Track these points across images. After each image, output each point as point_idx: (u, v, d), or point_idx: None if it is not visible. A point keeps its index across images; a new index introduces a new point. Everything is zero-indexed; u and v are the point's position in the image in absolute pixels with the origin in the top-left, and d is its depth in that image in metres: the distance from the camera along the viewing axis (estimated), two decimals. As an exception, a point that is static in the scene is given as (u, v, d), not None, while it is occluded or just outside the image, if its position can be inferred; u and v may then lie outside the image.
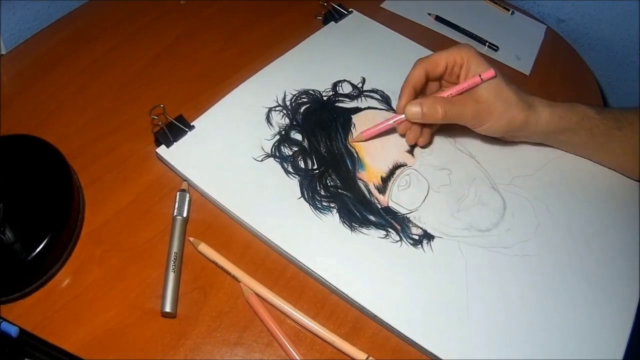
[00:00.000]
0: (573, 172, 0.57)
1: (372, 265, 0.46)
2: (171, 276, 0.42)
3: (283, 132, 0.53)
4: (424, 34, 0.70)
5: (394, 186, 0.51)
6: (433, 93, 0.54)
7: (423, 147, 0.55)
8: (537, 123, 0.51)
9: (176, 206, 0.46)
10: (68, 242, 0.43)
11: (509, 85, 0.50)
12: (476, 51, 0.51)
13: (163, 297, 0.41)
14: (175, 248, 0.44)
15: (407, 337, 0.42)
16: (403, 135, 0.54)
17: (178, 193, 0.47)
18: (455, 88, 0.50)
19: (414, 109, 0.49)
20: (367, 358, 0.41)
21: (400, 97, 0.52)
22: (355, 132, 0.55)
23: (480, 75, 0.49)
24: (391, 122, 0.52)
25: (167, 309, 0.41)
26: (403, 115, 0.51)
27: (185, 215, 0.46)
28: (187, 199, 0.47)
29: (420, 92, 0.53)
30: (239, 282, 0.43)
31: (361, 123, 0.56)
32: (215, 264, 0.44)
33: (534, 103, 0.51)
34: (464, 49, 0.51)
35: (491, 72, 0.49)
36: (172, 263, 0.43)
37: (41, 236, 0.40)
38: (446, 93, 0.51)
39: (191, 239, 0.45)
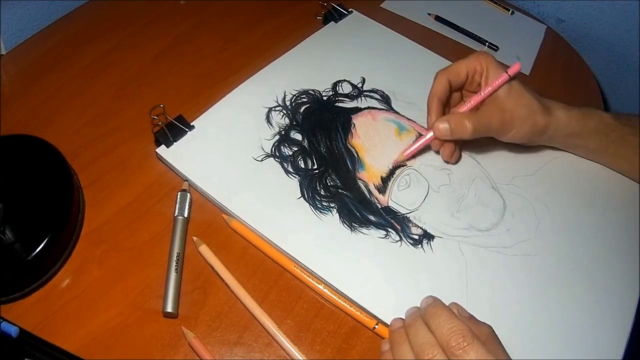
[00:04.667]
0: (573, 172, 0.57)
1: (372, 265, 0.46)
2: (173, 276, 0.42)
3: (283, 132, 0.53)
4: (424, 34, 0.69)
5: (394, 186, 0.51)
6: (456, 105, 0.54)
7: (455, 163, 0.54)
8: (557, 126, 0.52)
9: (177, 206, 0.46)
10: (68, 242, 0.43)
11: (528, 90, 0.51)
12: (493, 57, 0.51)
13: (165, 297, 0.41)
14: (177, 249, 0.44)
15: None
16: (438, 152, 0.54)
17: (179, 193, 0.47)
18: (485, 91, 0.49)
19: (442, 126, 0.49)
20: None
21: (429, 113, 0.52)
22: (355, 132, 0.55)
23: (507, 72, 0.49)
24: (427, 137, 0.51)
25: (169, 309, 0.41)
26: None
27: (186, 215, 0.46)
28: (188, 199, 0.47)
29: (446, 104, 0.53)
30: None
31: (361, 123, 0.56)
32: (212, 268, 0.44)
33: (551, 107, 0.51)
34: (482, 56, 0.51)
35: (517, 66, 0.49)
36: (174, 263, 0.43)
37: (41, 236, 0.40)
38: (477, 97, 0.50)
39: (194, 238, 0.45)
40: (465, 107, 0.51)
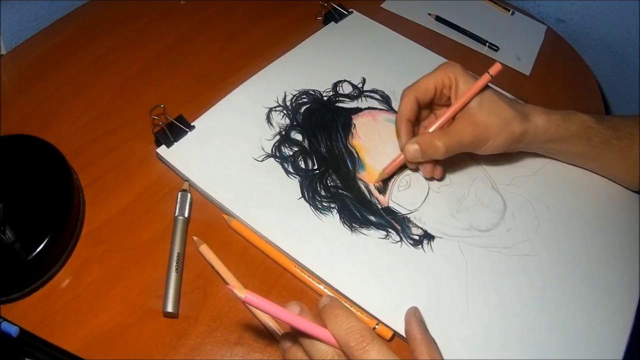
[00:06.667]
0: (573, 172, 0.57)
1: (372, 266, 0.46)
2: (173, 276, 0.42)
3: (283, 132, 0.53)
4: (424, 34, 0.69)
5: (394, 186, 0.51)
6: (426, 119, 0.53)
7: (440, 179, 0.52)
8: (535, 132, 0.49)
9: (178, 206, 0.46)
10: (68, 242, 0.43)
11: (501, 98, 0.49)
12: (462, 67, 0.49)
13: (165, 297, 0.41)
14: (177, 249, 0.44)
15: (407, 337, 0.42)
16: (415, 170, 0.52)
17: (179, 193, 0.47)
18: (458, 102, 0.48)
19: (412, 148, 0.48)
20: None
21: (398, 135, 0.50)
22: (356, 132, 0.55)
23: (488, 71, 0.47)
24: (399, 159, 0.50)
25: (170, 309, 0.41)
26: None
27: (186, 215, 0.46)
28: (189, 199, 0.47)
29: (416, 123, 0.51)
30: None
31: (361, 123, 0.56)
32: (212, 268, 0.44)
33: (529, 112, 0.49)
34: (449, 67, 0.49)
35: (498, 66, 0.46)
36: (174, 263, 0.43)
37: (41, 236, 0.40)
38: (447, 113, 0.48)
39: (195, 238, 0.45)
40: (435, 125, 0.49)
